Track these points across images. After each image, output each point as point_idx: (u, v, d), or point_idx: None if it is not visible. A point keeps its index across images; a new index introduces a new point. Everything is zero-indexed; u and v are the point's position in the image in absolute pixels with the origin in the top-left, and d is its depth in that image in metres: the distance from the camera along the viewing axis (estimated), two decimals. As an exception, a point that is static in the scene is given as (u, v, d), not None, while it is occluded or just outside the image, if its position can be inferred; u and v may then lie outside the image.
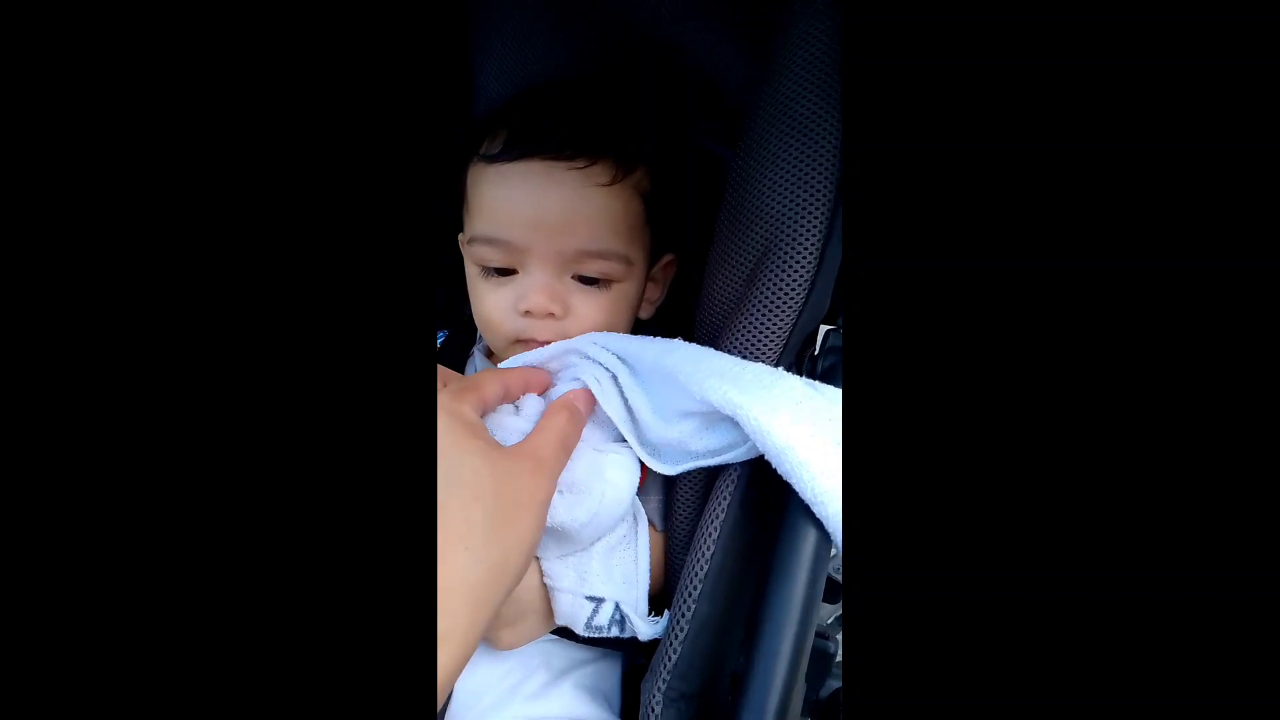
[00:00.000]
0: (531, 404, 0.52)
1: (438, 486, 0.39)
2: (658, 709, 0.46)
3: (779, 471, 0.45)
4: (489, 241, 0.58)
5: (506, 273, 0.58)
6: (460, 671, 0.38)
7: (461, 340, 0.72)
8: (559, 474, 0.47)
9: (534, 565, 0.54)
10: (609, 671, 0.60)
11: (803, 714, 0.67)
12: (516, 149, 0.57)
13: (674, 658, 0.47)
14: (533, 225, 0.56)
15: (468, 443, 0.42)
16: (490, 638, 0.54)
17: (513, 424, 0.50)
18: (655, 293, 0.65)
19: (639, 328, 0.64)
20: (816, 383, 0.49)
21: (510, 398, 0.52)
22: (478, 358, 0.69)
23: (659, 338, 0.55)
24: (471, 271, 0.62)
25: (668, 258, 0.64)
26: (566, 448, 0.48)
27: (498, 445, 0.44)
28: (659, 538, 0.57)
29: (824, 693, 0.66)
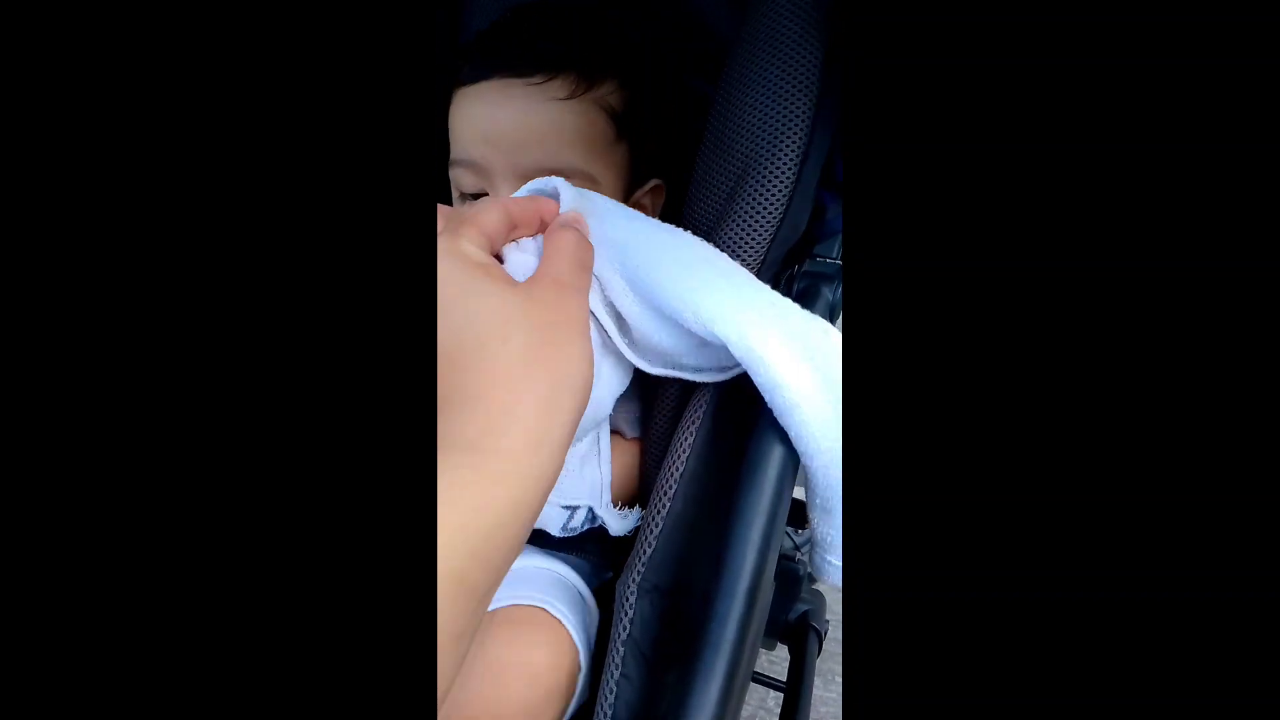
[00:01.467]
0: (532, 241, 0.46)
1: (453, 343, 0.34)
2: (632, 598, 0.48)
3: (772, 407, 0.45)
4: (458, 164, 0.60)
5: (479, 197, 0.60)
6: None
7: None
8: (586, 294, 0.42)
9: None
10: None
11: (771, 635, 0.70)
12: (479, 69, 0.59)
13: (649, 551, 0.49)
14: (491, 142, 0.57)
15: (478, 283, 0.36)
16: None
17: (519, 260, 0.44)
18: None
19: None
20: (815, 317, 0.47)
21: (518, 231, 0.45)
22: None
23: (660, 225, 0.50)
24: (455, 199, 0.63)
25: (655, 182, 0.65)
26: (585, 266, 0.43)
27: (514, 280, 0.39)
28: (632, 445, 0.59)
29: (793, 615, 0.68)
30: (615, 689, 0.45)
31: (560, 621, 0.53)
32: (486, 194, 0.59)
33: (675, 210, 0.67)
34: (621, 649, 0.46)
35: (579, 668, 0.53)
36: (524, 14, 0.63)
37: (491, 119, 0.58)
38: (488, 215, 0.41)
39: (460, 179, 0.60)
